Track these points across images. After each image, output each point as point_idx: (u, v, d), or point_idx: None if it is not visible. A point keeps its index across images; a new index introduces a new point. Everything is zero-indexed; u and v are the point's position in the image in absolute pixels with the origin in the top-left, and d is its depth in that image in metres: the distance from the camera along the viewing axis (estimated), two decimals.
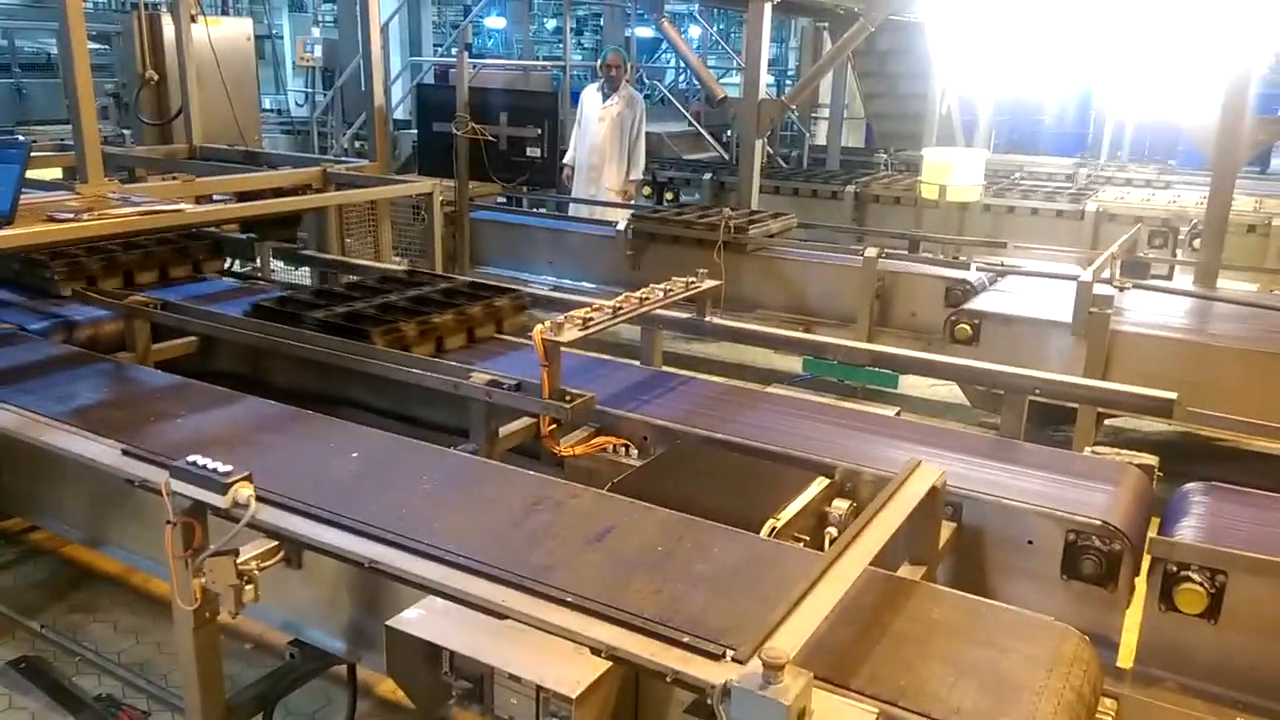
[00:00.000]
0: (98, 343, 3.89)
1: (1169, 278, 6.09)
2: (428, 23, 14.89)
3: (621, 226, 6.40)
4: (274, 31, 15.88)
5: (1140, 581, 2.49)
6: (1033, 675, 1.81)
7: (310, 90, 14.85)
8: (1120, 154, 13.41)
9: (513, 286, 4.28)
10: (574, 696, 1.72)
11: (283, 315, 3.73)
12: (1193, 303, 5.01)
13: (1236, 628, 2.36)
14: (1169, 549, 2.42)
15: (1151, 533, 2.57)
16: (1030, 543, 2.50)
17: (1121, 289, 4.81)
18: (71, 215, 3.69)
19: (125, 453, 2.55)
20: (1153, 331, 4.46)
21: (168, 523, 2.16)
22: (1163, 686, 2.44)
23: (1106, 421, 5.22)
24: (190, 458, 2.20)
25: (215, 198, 5.41)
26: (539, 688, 1.76)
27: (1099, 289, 4.41)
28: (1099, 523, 2.43)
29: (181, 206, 4.15)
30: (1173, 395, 2.95)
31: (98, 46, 11.37)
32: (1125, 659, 2.50)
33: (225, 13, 11.30)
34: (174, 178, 5.24)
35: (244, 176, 5.53)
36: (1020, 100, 14.88)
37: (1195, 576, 2.38)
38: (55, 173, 5.85)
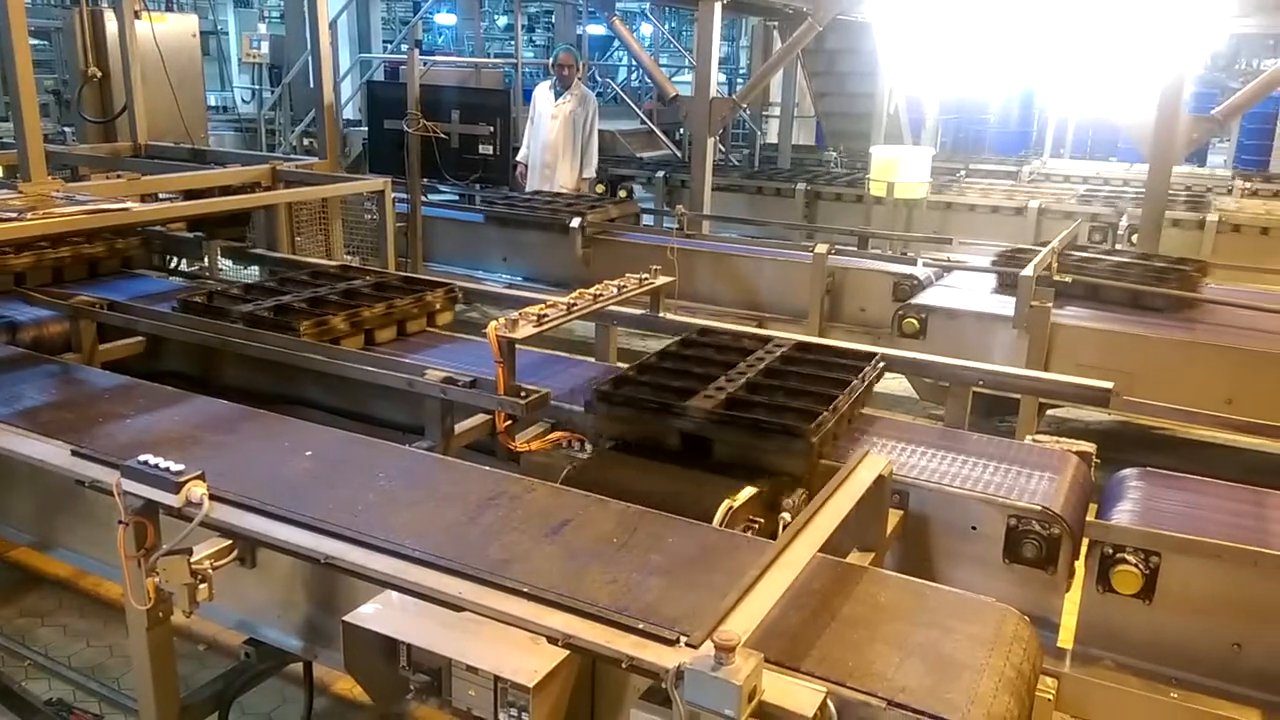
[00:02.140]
0: (42, 344, 3.83)
1: None
2: (377, 19, 14.78)
3: (576, 224, 6.42)
4: (219, 27, 15.64)
5: (1080, 564, 2.58)
6: (974, 654, 1.87)
7: (257, 87, 14.64)
8: (1063, 151, 13.73)
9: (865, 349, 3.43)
10: (531, 686, 1.74)
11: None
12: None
13: (1169, 607, 2.46)
14: (1105, 532, 2.52)
15: (1090, 517, 2.66)
16: (974, 528, 2.57)
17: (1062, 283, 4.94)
18: (15, 214, 3.63)
19: (75, 453, 2.52)
20: (1092, 324, 4.59)
21: (120, 523, 2.15)
22: (1101, 665, 2.53)
23: (1050, 411, 5.37)
24: (142, 457, 2.18)
25: (161, 196, 5.33)
26: (496, 678, 1.78)
27: (1040, 283, 4.53)
28: (1039, 508, 2.51)
29: (128, 205, 4.10)
30: (1109, 385, 3.05)
31: (37, 42, 11.12)
32: (1066, 640, 2.59)
33: (170, 8, 11.11)
34: (119, 176, 5.16)
35: (191, 174, 5.47)
36: (966, 100, 15.18)
37: (1130, 558, 2.47)
38: None
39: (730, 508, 2.39)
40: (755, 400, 2.82)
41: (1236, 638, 2.42)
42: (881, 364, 3.21)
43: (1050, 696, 2.30)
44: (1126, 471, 2.91)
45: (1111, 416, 5.15)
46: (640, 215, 7.42)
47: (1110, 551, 2.49)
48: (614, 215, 6.68)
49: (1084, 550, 2.56)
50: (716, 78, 7.80)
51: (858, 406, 3.03)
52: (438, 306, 3.98)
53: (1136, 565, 2.46)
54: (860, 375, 3.04)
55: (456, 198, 7.85)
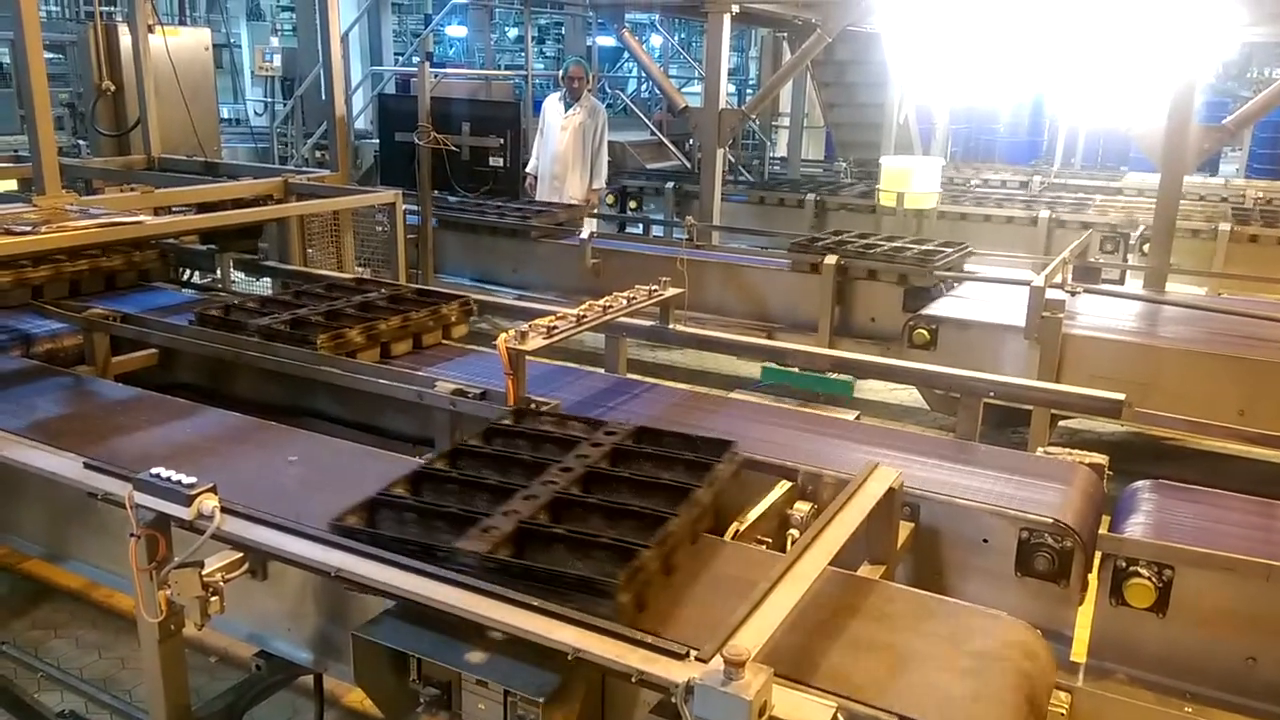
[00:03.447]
0: (56, 356, 3.85)
1: (1120, 282, 6.24)
2: (388, 31, 14.83)
3: (585, 235, 6.44)
4: (232, 40, 15.74)
5: (1092, 577, 2.57)
6: (986, 668, 1.86)
7: (269, 100, 14.74)
8: (1074, 161, 13.69)
9: None
10: (541, 700, 1.75)
11: None
12: (1142, 306, 5.15)
13: (1183, 620, 2.44)
14: (1118, 545, 2.50)
15: (1102, 530, 2.65)
16: (985, 541, 2.56)
17: (1073, 293, 4.94)
18: (29, 228, 3.66)
19: (87, 466, 2.53)
20: (1103, 335, 4.58)
21: (131, 535, 2.15)
22: (1114, 679, 2.51)
23: (1062, 423, 5.34)
24: (153, 470, 2.19)
25: (175, 209, 5.36)
26: (506, 692, 1.79)
27: (1051, 294, 4.52)
28: (1051, 521, 2.49)
29: (141, 218, 4.13)
30: (1120, 396, 3.03)
31: (52, 56, 11.22)
32: (1079, 653, 2.57)
33: (183, 22, 11.20)
34: (132, 189, 5.20)
35: (204, 187, 5.49)
36: (976, 109, 15.17)
37: (1144, 571, 2.45)
38: (10, 185, 5.78)
39: (738, 530, 2.38)
40: (554, 533, 2.06)
41: (1251, 651, 2.40)
42: (739, 457, 2.52)
43: (1063, 711, 2.29)
44: (1139, 484, 2.89)
45: (1124, 428, 5.12)
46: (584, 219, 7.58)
47: (1123, 564, 2.47)
48: (562, 219, 6.89)
49: (1097, 563, 2.55)
50: (726, 89, 7.82)
51: (702, 523, 2.26)
52: (453, 319, 3.96)
53: (1150, 578, 2.44)
54: (708, 478, 2.31)
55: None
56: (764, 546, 2.45)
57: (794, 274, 5.83)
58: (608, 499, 2.21)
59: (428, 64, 6.72)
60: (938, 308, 5.04)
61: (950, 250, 5.72)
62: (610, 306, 3.47)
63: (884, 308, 5.54)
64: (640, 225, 9.60)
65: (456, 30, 21.74)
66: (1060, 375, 4.46)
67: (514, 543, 2.02)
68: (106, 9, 10.51)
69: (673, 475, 2.34)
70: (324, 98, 6.28)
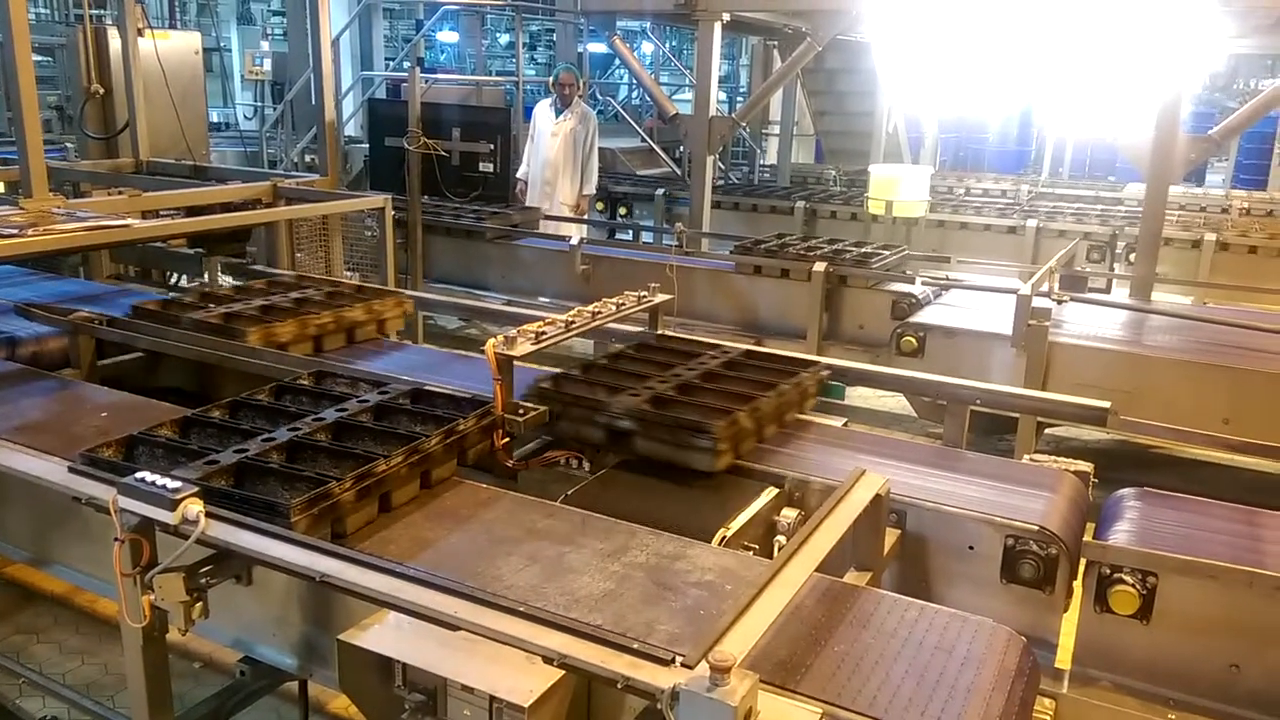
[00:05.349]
0: (41, 359, 3.82)
1: (1107, 291, 6.28)
2: (379, 36, 14.83)
3: (575, 241, 6.44)
4: (222, 44, 15.72)
5: (1077, 584, 2.58)
6: (971, 675, 1.87)
7: (259, 104, 14.72)
8: (1062, 171, 13.78)
9: None
10: (527, 706, 1.74)
11: None
12: (1128, 315, 5.19)
13: (1167, 627, 2.46)
14: (1103, 552, 2.51)
15: (1087, 537, 2.66)
16: (971, 548, 2.57)
17: (1060, 302, 4.96)
18: (16, 231, 3.65)
19: (72, 470, 2.52)
20: (1089, 343, 4.60)
21: (115, 540, 2.14)
22: (1099, 686, 2.52)
23: (1049, 430, 5.37)
24: (138, 474, 2.18)
25: (162, 213, 5.35)
26: (492, 698, 1.78)
27: (1038, 302, 4.55)
28: (1036, 528, 2.51)
29: (128, 222, 4.12)
30: (1106, 404, 3.05)
31: (41, 58, 11.19)
32: (1064, 660, 2.58)
33: (173, 26, 11.18)
34: (120, 192, 5.18)
35: (192, 191, 5.49)
36: (964, 119, 15.25)
37: (1128, 578, 2.47)
38: None
39: (725, 536, 2.39)
40: (269, 467, 2.37)
41: (1234, 659, 2.42)
42: (489, 417, 2.71)
43: (1048, 717, 2.30)
44: (1124, 491, 2.91)
45: (1109, 435, 5.15)
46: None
47: (1108, 572, 2.49)
48: (517, 221, 6.97)
49: (1081, 570, 2.56)
50: (716, 96, 7.83)
51: (437, 467, 2.51)
52: (811, 390, 3.28)
53: (1134, 585, 2.46)
54: (443, 430, 2.56)
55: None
56: (751, 553, 2.46)
57: (783, 280, 5.84)
58: (339, 444, 2.50)
59: (418, 69, 6.72)
60: (925, 315, 5.06)
61: (888, 253, 5.88)
62: (599, 312, 3.47)
63: (872, 315, 5.56)
64: (630, 231, 9.61)
65: (448, 36, 21.73)
66: (1047, 383, 4.48)
67: (233, 474, 2.33)
68: (96, 12, 10.47)
69: (422, 429, 2.57)
70: (314, 102, 6.28)
